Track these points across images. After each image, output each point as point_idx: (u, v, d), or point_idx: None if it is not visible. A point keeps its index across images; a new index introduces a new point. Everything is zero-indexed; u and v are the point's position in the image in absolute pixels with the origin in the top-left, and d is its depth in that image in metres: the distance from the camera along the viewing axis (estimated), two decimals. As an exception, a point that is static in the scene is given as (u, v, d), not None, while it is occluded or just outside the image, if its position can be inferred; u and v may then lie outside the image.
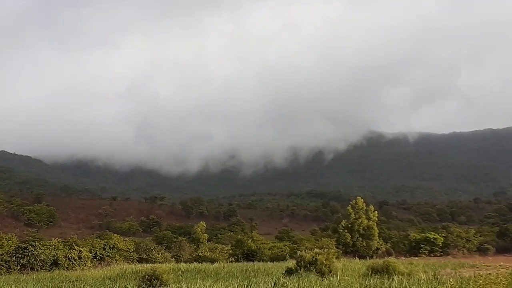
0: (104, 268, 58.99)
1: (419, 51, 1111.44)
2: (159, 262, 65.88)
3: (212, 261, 68.80)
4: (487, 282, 19.90)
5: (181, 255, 78.94)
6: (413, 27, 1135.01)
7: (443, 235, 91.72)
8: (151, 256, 71.91)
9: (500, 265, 54.51)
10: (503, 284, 20.02)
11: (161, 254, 74.35)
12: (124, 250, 69.91)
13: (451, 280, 25.01)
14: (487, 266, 54.97)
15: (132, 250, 72.09)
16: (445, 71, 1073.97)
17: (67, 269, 56.56)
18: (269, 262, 66.29)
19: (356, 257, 73.32)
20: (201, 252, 77.28)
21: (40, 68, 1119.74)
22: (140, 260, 69.72)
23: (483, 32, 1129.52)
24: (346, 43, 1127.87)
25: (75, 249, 60.77)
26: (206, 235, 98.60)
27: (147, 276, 35.66)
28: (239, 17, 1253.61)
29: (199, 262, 67.28)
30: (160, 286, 34.72)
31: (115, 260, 66.13)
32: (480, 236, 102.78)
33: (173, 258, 75.34)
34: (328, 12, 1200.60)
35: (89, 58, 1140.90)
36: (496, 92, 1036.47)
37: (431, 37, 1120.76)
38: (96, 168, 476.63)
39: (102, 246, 67.52)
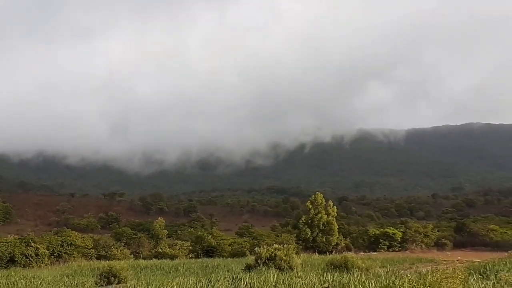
0: (61, 265, 58.28)
1: (401, 50, 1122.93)
2: (118, 259, 65.16)
3: (172, 257, 68.50)
4: (444, 277, 20.03)
5: (140, 252, 78.31)
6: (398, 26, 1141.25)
7: (401, 230, 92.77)
8: (109, 252, 71.11)
9: (457, 260, 55.36)
10: (460, 278, 20.21)
11: (120, 250, 73.59)
12: (82, 247, 69.05)
13: (408, 275, 25.22)
14: (445, 260, 55.77)
15: (90, 246, 71.25)
16: (421, 71, 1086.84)
17: (24, 267, 55.65)
18: (229, 258, 66.25)
19: (316, 253, 73.69)
20: (161, 249, 76.76)
21: (11, 61, 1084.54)
22: (99, 257, 68.92)
23: (463, 33, 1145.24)
24: (332, 39, 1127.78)
25: (32, 246, 59.83)
26: (165, 231, 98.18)
27: (104, 273, 35.24)
28: (222, 10, 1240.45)
29: (158, 259, 66.96)
30: (118, 283, 34.33)
31: (73, 257, 65.29)
32: (438, 231, 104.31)
33: (132, 255, 74.66)
34: (315, 7, 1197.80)
35: (63, 52, 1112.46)
36: (462, 90, 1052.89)
37: (415, 36, 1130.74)
38: (58, 165, 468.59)
39: (60, 243, 66.57)
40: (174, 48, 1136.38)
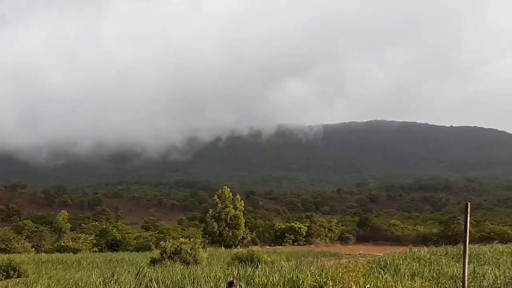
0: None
1: (320, 48, 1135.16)
2: (19, 252, 63.41)
3: (75, 251, 67.31)
4: (346, 271, 20.45)
5: (42, 245, 76.52)
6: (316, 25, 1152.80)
7: (307, 224, 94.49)
8: (9, 246, 69.20)
9: (359, 254, 56.74)
10: (361, 272, 20.68)
11: (21, 244, 71.75)
12: (-20, 240, 66.91)
13: (311, 268, 25.60)
14: (348, 254, 57.08)
15: (-11, 240, 69.15)
16: (338, 69, 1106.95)
17: None
18: (134, 252, 65.78)
19: (222, 247, 73.99)
20: (63, 242, 75.16)
21: None
22: (-2, 251, 66.93)
23: (379, 33, 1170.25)
24: (252, 34, 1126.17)
25: None
26: (68, 224, 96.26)
27: (3, 267, 34.25)
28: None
29: (61, 252, 65.59)
30: (18, 276, 33.42)
31: (-30, 251, 63.18)
32: (342, 225, 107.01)
33: (34, 248, 72.88)
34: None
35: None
36: (374, 88, 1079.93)
37: (334, 34, 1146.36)
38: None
39: (-44, 236, 64.25)
40: (90, 38, 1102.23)
